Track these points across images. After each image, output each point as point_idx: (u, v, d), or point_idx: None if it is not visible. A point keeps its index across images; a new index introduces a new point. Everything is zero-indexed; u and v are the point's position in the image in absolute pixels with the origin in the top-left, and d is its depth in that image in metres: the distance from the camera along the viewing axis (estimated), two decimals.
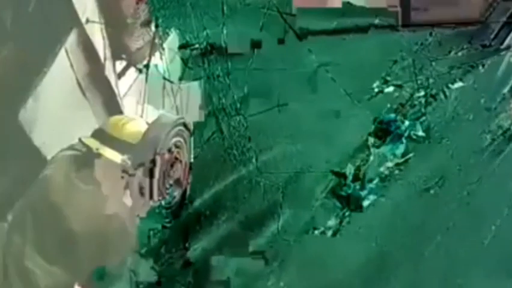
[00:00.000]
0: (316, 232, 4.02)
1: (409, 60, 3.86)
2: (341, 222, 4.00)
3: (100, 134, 3.71)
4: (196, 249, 4.08)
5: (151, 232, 4.00)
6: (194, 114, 4.61)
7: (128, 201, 3.68)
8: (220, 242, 4.08)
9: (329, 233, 4.01)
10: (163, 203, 3.67)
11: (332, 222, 4.00)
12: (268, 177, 4.07)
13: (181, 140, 3.76)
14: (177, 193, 3.80)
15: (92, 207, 3.62)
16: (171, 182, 3.70)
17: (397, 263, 4.03)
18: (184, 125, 3.80)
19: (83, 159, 3.68)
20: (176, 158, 3.70)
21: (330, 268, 4.01)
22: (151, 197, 3.57)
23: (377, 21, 3.89)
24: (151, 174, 3.50)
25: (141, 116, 4.68)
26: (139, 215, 3.73)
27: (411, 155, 3.95)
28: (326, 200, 4.01)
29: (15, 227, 3.64)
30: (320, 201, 4.01)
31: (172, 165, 3.67)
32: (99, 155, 3.63)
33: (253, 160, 4.08)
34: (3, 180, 4.63)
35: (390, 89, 3.90)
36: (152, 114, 4.89)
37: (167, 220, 3.90)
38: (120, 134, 3.68)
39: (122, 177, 3.58)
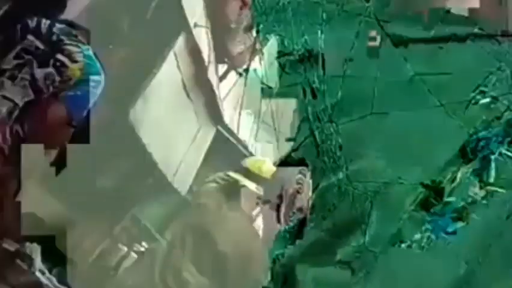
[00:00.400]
0: (403, 245, 3.93)
1: (507, 71, 3.65)
2: (428, 236, 3.88)
3: (242, 170, 4.50)
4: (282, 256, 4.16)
5: (278, 256, 4.25)
6: (288, 119, 4.68)
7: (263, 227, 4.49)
8: (307, 249, 4.12)
9: (416, 247, 3.90)
10: (287, 227, 4.31)
11: (418, 236, 3.89)
12: (357, 186, 4.04)
13: (302, 177, 4.39)
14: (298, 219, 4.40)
15: (238, 232, 4.31)
16: (294, 210, 4.38)
17: (486, 284, 3.85)
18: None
19: (231, 190, 4.43)
20: (298, 191, 4.38)
21: (415, 284, 3.90)
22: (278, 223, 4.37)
23: (475, 30, 3.71)
24: (278, 209, 4.29)
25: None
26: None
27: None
28: (414, 213, 3.90)
29: (176, 244, 4.28)
30: (407, 214, 3.91)
31: (294, 197, 4.38)
32: (243, 187, 4.41)
33: (344, 168, 4.06)
34: (114, 176, 4.94)
35: (486, 100, 3.71)
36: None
37: (289, 242, 4.29)
38: (259, 171, 4.47)
39: (257, 203, 4.42)
